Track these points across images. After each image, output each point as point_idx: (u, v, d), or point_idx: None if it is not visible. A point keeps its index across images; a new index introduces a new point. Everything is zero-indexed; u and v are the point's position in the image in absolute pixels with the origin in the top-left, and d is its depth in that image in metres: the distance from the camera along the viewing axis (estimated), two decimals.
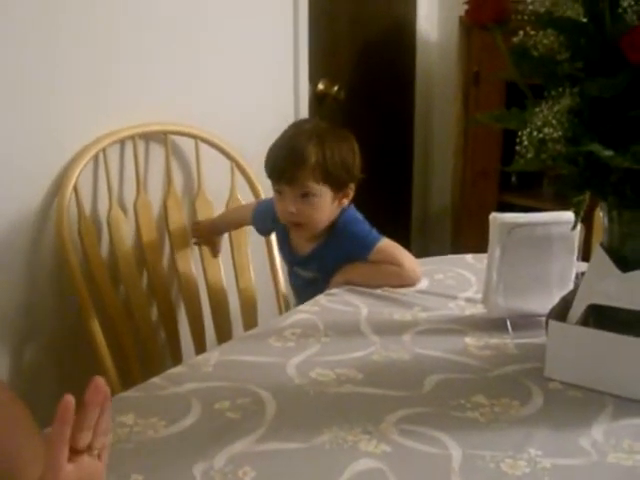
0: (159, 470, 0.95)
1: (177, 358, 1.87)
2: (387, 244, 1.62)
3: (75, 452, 0.75)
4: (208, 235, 1.92)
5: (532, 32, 1.09)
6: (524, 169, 1.12)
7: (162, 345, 1.89)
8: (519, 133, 1.06)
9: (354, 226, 1.64)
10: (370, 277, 1.58)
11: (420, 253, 2.94)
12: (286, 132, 1.64)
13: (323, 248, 1.65)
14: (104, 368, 1.68)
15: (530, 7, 1.08)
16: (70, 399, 0.72)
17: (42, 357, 1.72)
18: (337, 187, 1.60)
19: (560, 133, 0.98)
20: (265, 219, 1.77)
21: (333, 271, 1.62)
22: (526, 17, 1.11)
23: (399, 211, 3.00)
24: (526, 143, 1.02)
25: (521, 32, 1.10)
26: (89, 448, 0.76)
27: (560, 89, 1.04)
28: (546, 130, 1.00)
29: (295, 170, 1.55)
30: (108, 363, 1.68)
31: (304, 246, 1.68)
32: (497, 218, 1.36)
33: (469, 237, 2.80)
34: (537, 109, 1.04)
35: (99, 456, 0.78)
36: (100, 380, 0.74)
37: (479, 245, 2.51)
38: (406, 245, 3.00)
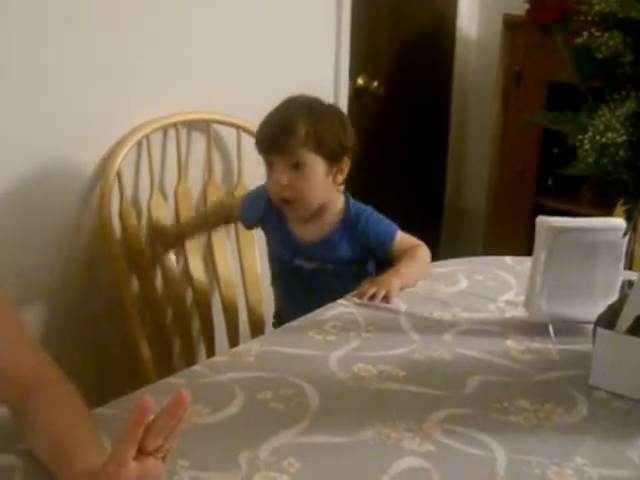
0: (205, 457, 0.94)
1: (210, 345, 1.87)
2: (400, 232, 1.61)
3: (142, 452, 0.75)
4: (175, 242, 1.81)
5: (597, 33, 1.07)
6: (581, 173, 1.10)
7: (197, 331, 1.90)
8: (579, 137, 1.04)
9: (372, 217, 1.61)
10: (418, 271, 1.56)
11: (451, 253, 2.92)
12: (275, 108, 1.57)
13: (336, 237, 1.60)
14: (140, 351, 1.69)
15: (596, 7, 1.07)
16: (149, 402, 0.72)
17: (79, 338, 1.73)
18: (330, 159, 1.54)
19: (624, 138, 0.97)
20: (256, 207, 1.69)
21: (348, 263, 1.58)
22: (590, 18, 1.09)
23: (430, 210, 2.99)
24: (587, 147, 1.00)
25: (585, 33, 1.08)
26: (156, 450, 0.76)
27: (623, 92, 1.03)
28: (609, 135, 0.98)
29: (286, 139, 1.50)
30: (144, 347, 1.68)
31: (309, 232, 1.62)
32: (544, 221, 1.34)
33: (502, 239, 2.78)
34: (599, 112, 1.03)
35: (163, 458, 0.78)
36: (185, 393, 0.73)
37: (512, 247, 2.50)
38: (436, 244, 3.01)
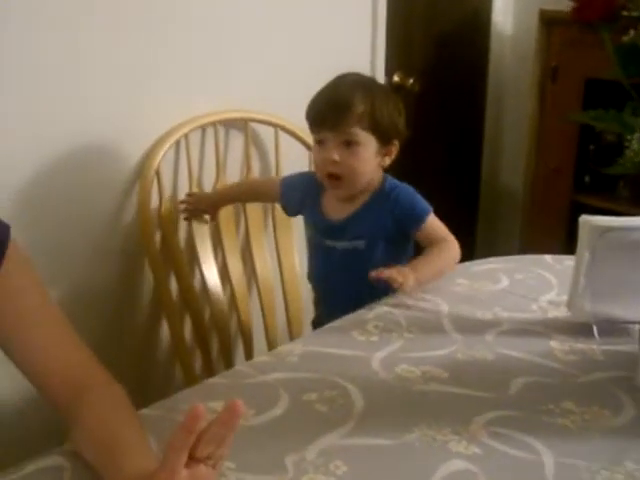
0: (251, 459, 0.94)
1: (249, 345, 1.87)
2: (433, 217, 1.56)
3: (193, 459, 0.75)
4: (209, 208, 1.79)
5: None
6: (627, 172, 1.09)
7: (234, 331, 1.91)
8: (627, 136, 1.03)
9: (407, 190, 1.56)
10: (439, 269, 1.52)
11: (486, 249, 2.92)
12: (330, 83, 1.53)
13: (366, 210, 1.55)
14: (179, 350, 1.70)
15: None
16: (201, 409, 0.72)
17: (118, 337, 1.75)
18: (383, 139, 1.51)
19: None
20: (294, 190, 1.66)
21: (379, 237, 1.54)
22: (636, 14, 1.08)
23: (466, 206, 2.98)
24: (636, 147, 0.99)
25: (631, 31, 1.07)
26: (207, 457, 0.76)
27: None
28: None
29: (341, 116, 1.46)
30: (184, 346, 1.69)
31: (340, 210, 1.57)
32: (588, 221, 1.32)
33: (539, 235, 2.76)
34: None
35: (214, 465, 0.78)
36: (239, 403, 0.74)
37: (549, 243, 2.47)
38: (472, 240, 2.99)
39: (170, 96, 1.71)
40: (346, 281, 1.58)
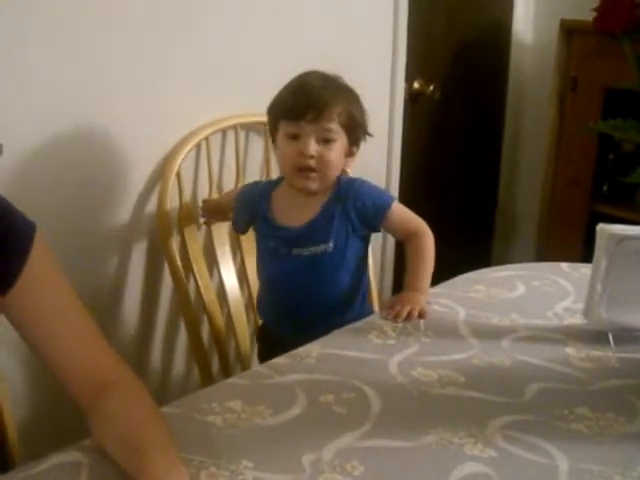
0: (269, 458, 0.96)
1: None
2: (397, 204, 1.54)
3: None
4: (215, 214, 1.78)
5: None
6: None
7: (250, 332, 1.92)
8: None
9: (366, 183, 1.54)
10: (430, 271, 1.51)
11: (503, 257, 2.92)
12: (300, 79, 1.52)
13: (329, 210, 1.51)
14: (197, 351, 1.71)
15: None
16: None
17: (135, 333, 1.77)
18: (352, 138, 1.51)
19: None
20: (250, 200, 1.60)
21: (347, 236, 1.51)
22: None
23: (483, 213, 2.98)
24: None
25: None
26: None
27: None
28: None
29: (324, 111, 1.45)
30: (201, 347, 1.71)
31: (299, 216, 1.52)
32: (606, 229, 1.33)
33: (556, 244, 2.76)
34: None
35: None
36: None
37: (565, 253, 2.47)
38: (489, 248, 2.99)
39: (192, 99, 1.73)
40: (315, 284, 1.54)
